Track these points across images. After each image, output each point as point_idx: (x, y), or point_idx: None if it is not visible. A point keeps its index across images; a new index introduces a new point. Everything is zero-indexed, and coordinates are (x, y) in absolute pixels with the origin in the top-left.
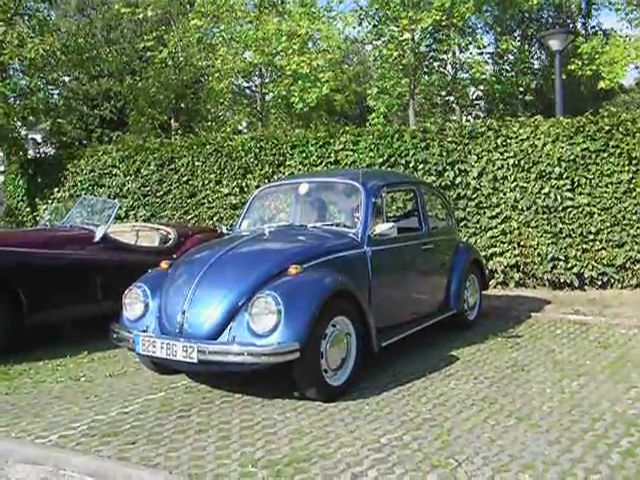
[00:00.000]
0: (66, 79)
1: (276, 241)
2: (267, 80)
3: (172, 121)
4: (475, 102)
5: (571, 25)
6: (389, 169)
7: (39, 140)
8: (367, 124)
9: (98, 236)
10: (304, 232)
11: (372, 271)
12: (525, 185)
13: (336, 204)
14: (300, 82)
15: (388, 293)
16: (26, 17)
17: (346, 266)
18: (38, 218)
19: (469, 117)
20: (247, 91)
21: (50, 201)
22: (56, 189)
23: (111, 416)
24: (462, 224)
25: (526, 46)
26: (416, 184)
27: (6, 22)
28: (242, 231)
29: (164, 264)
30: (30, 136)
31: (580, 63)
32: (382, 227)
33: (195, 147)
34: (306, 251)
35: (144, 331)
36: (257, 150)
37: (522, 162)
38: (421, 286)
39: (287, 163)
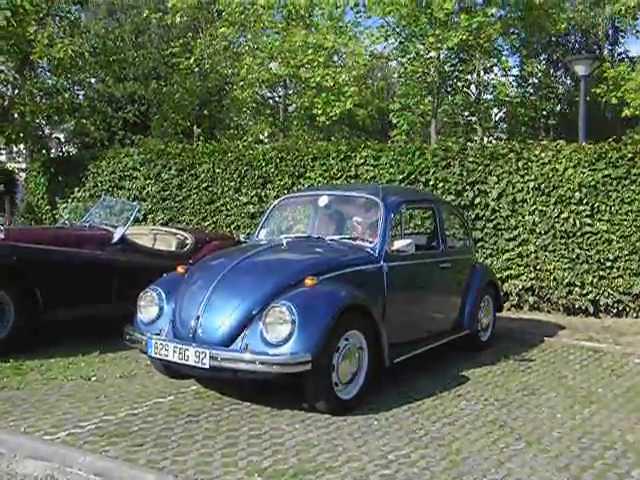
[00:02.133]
0: (92, 80)
1: (293, 252)
2: (291, 91)
3: (194, 127)
4: (498, 124)
5: (598, 51)
6: (409, 186)
7: (62, 139)
8: (389, 140)
9: (116, 237)
10: (321, 244)
11: (388, 287)
12: (544, 209)
13: (355, 218)
14: (324, 95)
15: (403, 309)
16: (57, 18)
17: (362, 280)
18: (57, 216)
19: (491, 138)
20: (270, 101)
21: (70, 200)
22: (76, 188)
23: (120, 417)
24: (479, 245)
25: (551, 70)
26: (435, 202)
27: (37, 22)
28: (260, 240)
29: (180, 268)
30: (54, 135)
31: (605, 88)
32: (400, 243)
33: (216, 154)
34: (322, 263)
35: (157, 334)
36: (278, 160)
37: (542, 186)
38: (436, 304)
39: (307, 175)
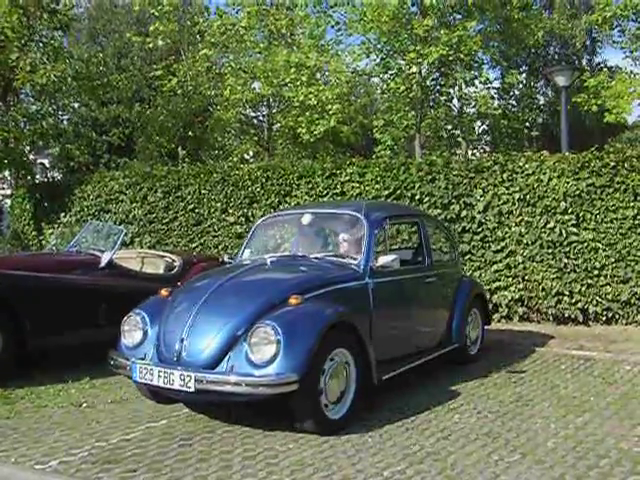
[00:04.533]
0: (76, 105)
1: (277, 271)
2: (274, 110)
3: (179, 149)
4: (481, 136)
5: (577, 61)
6: (394, 201)
7: (47, 164)
8: (373, 156)
9: (104, 262)
10: (306, 262)
11: (374, 303)
12: (530, 220)
13: (339, 235)
14: (308, 114)
15: (389, 326)
16: (40, 44)
17: (347, 297)
18: (44, 242)
19: (475, 151)
20: (254, 121)
21: (56, 225)
22: (62, 214)
23: (112, 443)
24: (467, 257)
25: (532, 82)
26: (420, 216)
27: (20, 48)
28: (243, 260)
29: (164, 291)
30: (39, 160)
31: (586, 97)
32: (385, 259)
33: (202, 175)
34: (307, 281)
35: (142, 359)
36: (264, 180)
37: (528, 197)
38: (423, 319)
39: (293, 193)
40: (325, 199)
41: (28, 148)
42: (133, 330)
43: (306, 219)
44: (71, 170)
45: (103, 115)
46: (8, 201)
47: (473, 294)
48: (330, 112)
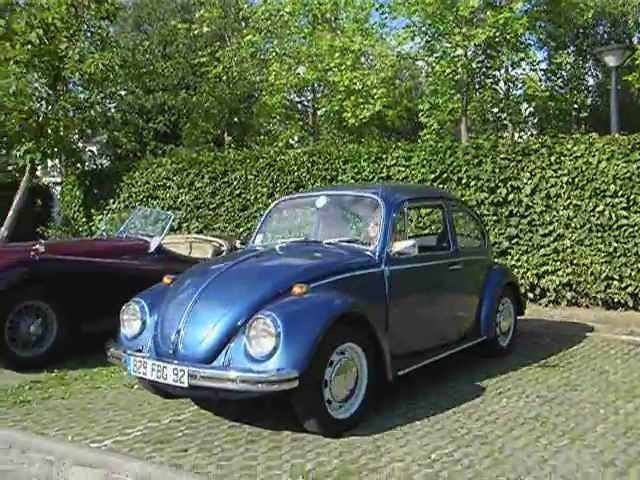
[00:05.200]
0: (123, 93)
1: (285, 257)
2: (319, 95)
3: (225, 135)
4: (528, 119)
5: (627, 40)
6: (423, 184)
7: (95, 152)
8: (418, 140)
9: (153, 247)
10: (318, 248)
11: (390, 292)
12: (579, 203)
13: (355, 219)
14: (353, 98)
15: (408, 317)
16: (87, 33)
17: (360, 286)
18: (94, 228)
19: (521, 134)
20: (299, 106)
21: (105, 212)
22: (111, 200)
23: (164, 423)
24: (514, 241)
25: (580, 62)
26: (444, 199)
27: (68, 38)
28: (255, 246)
29: (167, 279)
30: (87, 148)
31: (637, 76)
32: (402, 245)
33: (248, 161)
34: (315, 269)
35: (139, 350)
36: (310, 164)
37: (576, 180)
38: (446, 310)
39: (339, 178)
40: (371, 184)
41: (77, 136)
42: (132, 320)
43: (321, 202)
44: (119, 157)
45: (149, 102)
46: (58, 188)
47: (504, 282)
48: (375, 96)
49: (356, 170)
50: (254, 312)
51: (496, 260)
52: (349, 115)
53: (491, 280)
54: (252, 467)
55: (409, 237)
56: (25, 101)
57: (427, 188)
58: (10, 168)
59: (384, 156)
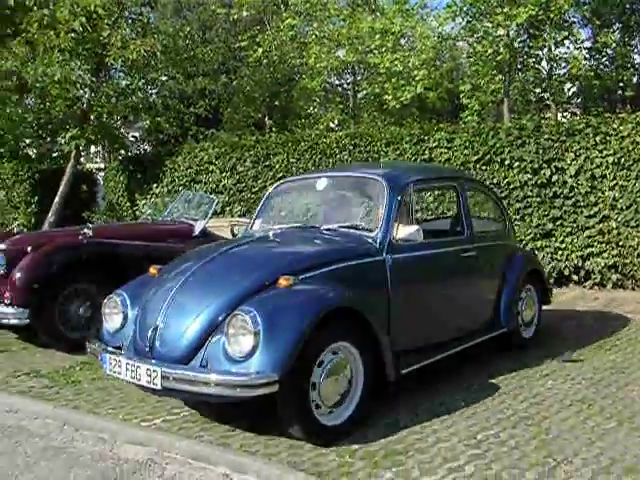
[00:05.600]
0: (163, 78)
1: (276, 245)
2: (359, 78)
3: (266, 119)
4: (571, 99)
5: None
6: (434, 163)
7: (137, 138)
8: (459, 121)
9: (197, 230)
10: (314, 235)
11: (392, 283)
12: (625, 184)
13: (356, 202)
14: (394, 80)
15: (413, 310)
16: (129, 20)
17: (358, 277)
18: (138, 213)
19: (565, 114)
20: (339, 89)
21: (149, 196)
22: (154, 185)
23: (212, 404)
24: (558, 223)
25: (626, 39)
26: (458, 180)
27: (111, 25)
28: (253, 232)
29: (152, 269)
30: (130, 134)
31: None
32: (404, 231)
33: (290, 144)
34: (306, 258)
35: (119, 347)
36: (351, 147)
37: (622, 160)
38: (459, 301)
39: (381, 160)
40: None
41: (120, 122)
42: (113, 313)
43: (321, 184)
44: (160, 142)
45: (190, 87)
46: (102, 174)
47: (527, 269)
48: (416, 78)
49: (398, 152)
50: (236, 306)
51: (537, 243)
52: (390, 97)
53: (512, 267)
54: (299, 446)
55: (417, 222)
56: (69, 88)
57: (439, 168)
58: (55, 155)
59: (426, 138)
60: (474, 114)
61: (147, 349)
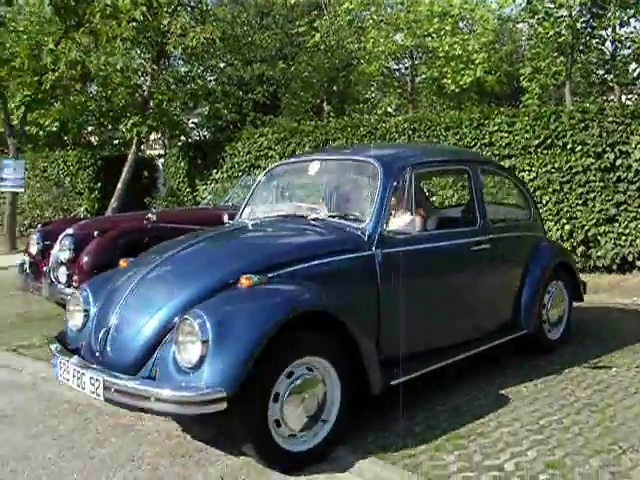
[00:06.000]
0: (221, 65)
1: (250, 238)
2: (418, 62)
3: (324, 104)
4: (636, 80)
5: None
6: (444, 144)
7: (196, 124)
8: (519, 105)
9: None
10: (297, 226)
11: (383, 282)
12: None
13: (349, 188)
14: (453, 64)
15: (409, 311)
16: (188, 8)
17: (340, 275)
18: (198, 198)
19: (629, 96)
20: (397, 73)
21: (209, 182)
22: (214, 170)
23: None
24: (622, 208)
25: None
26: (470, 163)
27: (170, 14)
28: (238, 222)
29: (123, 262)
30: (191, 120)
31: None
32: (396, 222)
33: (349, 129)
34: (280, 254)
35: (78, 349)
36: (410, 132)
37: None
38: (468, 299)
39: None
40: (473, 150)
41: (180, 109)
42: (75, 311)
43: (313, 168)
44: (219, 129)
45: (248, 74)
46: (162, 160)
47: (554, 263)
48: (476, 62)
49: (458, 137)
50: (191, 309)
51: (600, 228)
52: (449, 81)
53: (537, 260)
54: (362, 428)
55: (421, 211)
56: (131, 76)
57: (447, 149)
58: (116, 142)
59: (486, 122)
60: (535, 97)
61: (98, 354)
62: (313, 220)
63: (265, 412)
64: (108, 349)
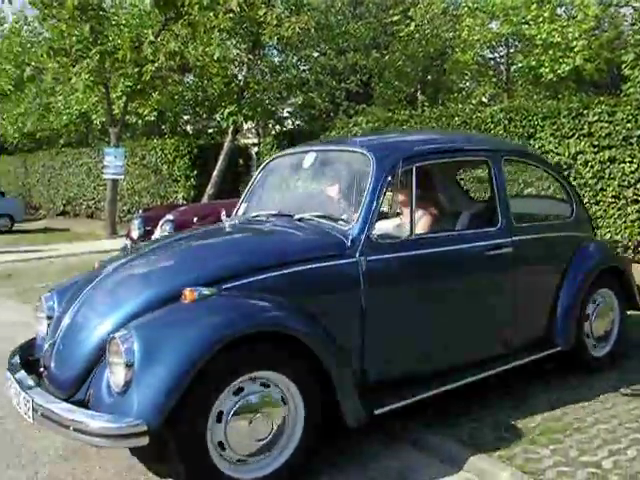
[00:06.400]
0: (315, 55)
1: (212, 243)
2: (513, 50)
3: (418, 93)
4: None
5: None
6: (462, 131)
7: (290, 113)
8: (619, 94)
9: None
10: (274, 227)
11: (368, 294)
12: None
13: (341, 183)
14: (551, 52)
15: (405, 327)
16: None
17: (313, 286)
18: None
19: None
20: (492, 62)
21: None
22: None
23: None
24: None
25: None
26: (492, 152)
27: (266, 4)
28: (233, 219)
29: (97, 263)
30: (285, 110)
31: None
32: (382, 225)
33: (443, 119)
34: (238, 262)
35: (38, 361)
36: (506, 122)
37: None
38: (482, 312)
39: (537, 135)
40: (571, 141)
41: (273, 98)
42: (40, 317)
43: (307, 161)
44: (312, 118)
45: (341, 63)
46: (255, 149)
47: (600, 267)
48: (575, 49)
49: (555, 127)
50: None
51: None
52: (547, 70)
53: (578, 265)
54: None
55: (427, 210)
56: (227, 66)
57: (461, 136)
58: (211, 131)
59: (585, 112)
60: (637, 86)
61: (42, 369)
62: (298, 220)
63: (203, 432)
64: (52, 364)
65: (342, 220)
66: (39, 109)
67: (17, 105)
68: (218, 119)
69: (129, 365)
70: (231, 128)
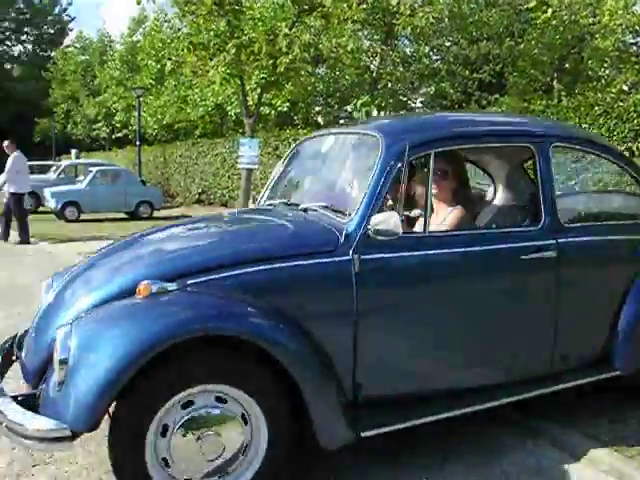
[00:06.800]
0: (447, 44)
1: (191, 235)
2: None
3: (554, 82)
4: None
5: None
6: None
7: (421, 104)
8: None
9: None
10: (268, 218)
11: (362, 298)
12: None
13: (350, 169)
14: None
15: (408, 338)
16: None
17: (291, 286)
18: None
19: None
20: (634, 47)
21: None
22: None
23: None
24: None
25: None
26: (538, 138)
27: None
28: (255, 207)
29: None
30: (419, 100)
31: None
32: (378, 218)
33: (582, 109)
34: (211, 256)
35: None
36: None
37: None
38: (510, 325)
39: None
40: None
41: (406, 89)
42: (42, 300)
43: (326, 145)
44: (444, 108)
45: (473, 53)
46: None
47: None
48: None
49: None
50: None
51: None
52: None
53: None
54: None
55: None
56: (360, 57)
57: (501, 118)
58: (341, 122)
59: None
60: None
61: (15, 357)
62: (302, 210)
63: (142, 444)
64: (24, 355)
65: (341, 212)
66: (177, 102)
67: (157, 98)
68: (349, 110)
69: (63, 362)
70: (365, 119)
